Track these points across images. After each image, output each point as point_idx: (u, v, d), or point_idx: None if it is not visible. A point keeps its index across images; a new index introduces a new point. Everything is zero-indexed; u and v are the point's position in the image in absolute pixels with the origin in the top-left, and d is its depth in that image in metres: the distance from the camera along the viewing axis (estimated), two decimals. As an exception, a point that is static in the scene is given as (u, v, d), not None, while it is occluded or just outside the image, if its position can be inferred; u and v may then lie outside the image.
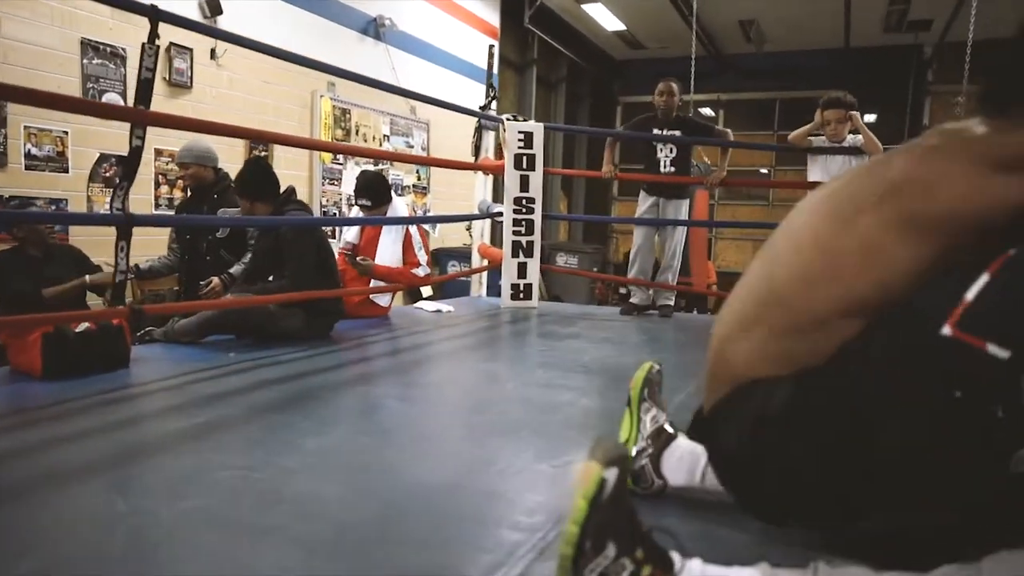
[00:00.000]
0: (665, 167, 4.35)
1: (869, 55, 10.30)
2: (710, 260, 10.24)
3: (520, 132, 4.36)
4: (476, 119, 4.79)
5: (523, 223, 4.41)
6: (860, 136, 3.74)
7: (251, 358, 2.51)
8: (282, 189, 3.05)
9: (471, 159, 4.85)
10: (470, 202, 7.75)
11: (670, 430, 1.42)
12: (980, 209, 0.96)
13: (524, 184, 4.37)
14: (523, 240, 4.43)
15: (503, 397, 2.18)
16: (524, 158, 4.36)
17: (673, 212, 4.38)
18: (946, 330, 0.89)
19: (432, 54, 7.12)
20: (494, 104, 4.93)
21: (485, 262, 5.00)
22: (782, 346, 1.07)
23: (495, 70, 5.27)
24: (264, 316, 2.73)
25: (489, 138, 4.98)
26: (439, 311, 4.06)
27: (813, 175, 3.94)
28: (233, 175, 3.29)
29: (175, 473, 1.45)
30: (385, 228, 3.82)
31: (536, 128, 4.41)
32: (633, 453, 1.41)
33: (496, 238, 5.50)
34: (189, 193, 3.79)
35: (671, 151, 4.32)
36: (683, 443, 1.41)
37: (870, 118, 11.01)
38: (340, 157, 5.95)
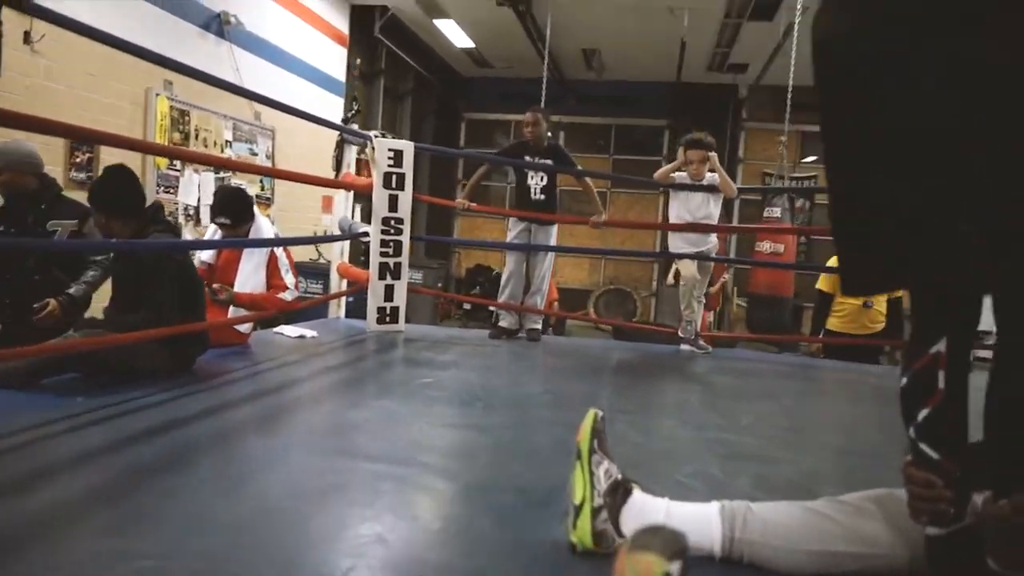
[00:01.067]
0: (536, 194, 4.41)
1: (695, 90, 11.22)
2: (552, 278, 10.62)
3: (390, 150, 4.21)
4: (337, 132, 4.56)
5: (391, 244, 4.25)
6: (717, 175, 4.03)
7: (105, 403, 2.16)
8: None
9: (322, 170, 4.60)
10: (316, 215, 7.40)
11: (627, 487, 1.40)
12: None
13: (393, 204, 4.22)
14: (391, 262, 4.27)
15: (417, 443, 2.05)
16: (394, 177, 4.21)
17: (544, 238, 4.44)
18: None
19: (279, 57, 6.71)
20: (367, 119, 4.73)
21: (345, 283, 4.77)
22: None
23: (344, 78, 5.05)
24: (121, 353, 2.38)
25: (352, 153, 4.77)
26: (303, 336, 3.80)
27: (673, 209, 4.18)
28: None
29: None
30: (247, 251, 3.50)
31: (407, 147, 4.28)
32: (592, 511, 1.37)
33: (355, 258, 5.28)
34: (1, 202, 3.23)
35: (542, 179, 4.39)
36: (638, 497, 1.40)
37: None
38: (177, 163, 5.41)
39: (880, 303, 4.70)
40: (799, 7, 6.43)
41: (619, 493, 1.39)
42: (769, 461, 2.06)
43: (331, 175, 4.89)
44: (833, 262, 5.06)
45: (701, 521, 1.36)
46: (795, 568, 1.30)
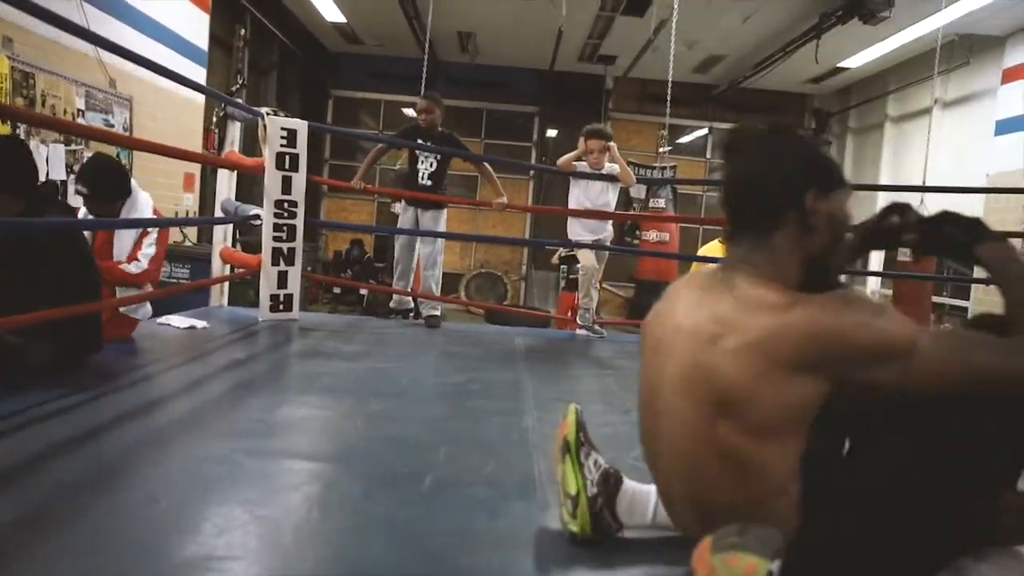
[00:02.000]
0: (423, 179, 4.38)
1: (566, 79, 11.50)
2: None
3: (283, 129, 3.97)
4: (203, 106, 4.23)
5: (285, 228, 4.04)
6: (616, 165, 4.18)
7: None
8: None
9: (186, 145, 4.25)
10: (176, 193, 6.84)
11: (617, 477, 1.44)
12: (795, 406, 1.10)
13: (287, 186, 4.00)
14: (284, 247, 4.06)
15: (366, 441, 1.97)
16: (287, 157, 3.98)
17: (431, 222, 4.41)
18: None
19: (135, 18, 6.08)
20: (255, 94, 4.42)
21: (228, 268, 4.47)
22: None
23: (206, 46, 4.69)
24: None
25: (236, 129, 4.45)
26: (192, 327, 3.52)
27: (574, 197, 4.28)
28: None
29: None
30: (122, 229, 3.17)
31: (300, 126, 4.06)
32: (587, 500, 1.40)
33: (240, 241, 4.95)
34: None
35: (431, 164, 4.37)
36: (630, 485, 1.44)
37: (552, 133, 12.32)
38: (21, 131, 4.77)
39: None
40: (676, 5, 6.76)
41: (611, 482, 1.43)
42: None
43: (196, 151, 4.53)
44: (709, 249, 5.42)
45: (688, 504, 1.43)
46: None
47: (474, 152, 4.59)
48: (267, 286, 4.00)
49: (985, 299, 7.92)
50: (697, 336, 1.18)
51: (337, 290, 10.67)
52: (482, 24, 9.32)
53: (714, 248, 5.31)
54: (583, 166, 4.20)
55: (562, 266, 8.66)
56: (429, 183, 4.40)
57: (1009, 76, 8.37)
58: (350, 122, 12.16)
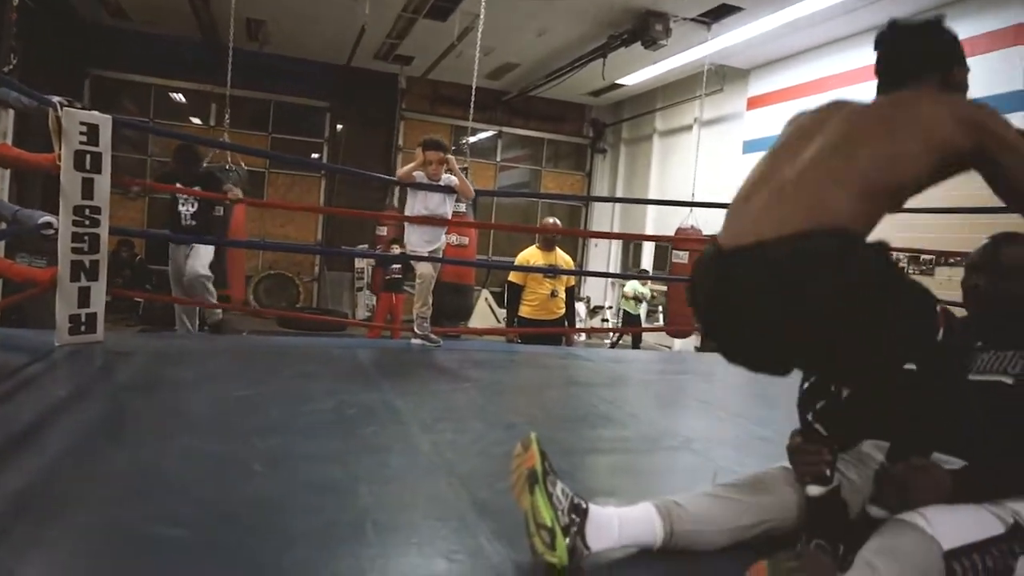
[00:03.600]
0: (186, 220, 4.80)
1: (359, 76, 11.24)
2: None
3: (83, 124, 3.45)
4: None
5: (87, 238, 3.51)
6: (454, 177, 4.22)
7: None
8: None
9: None
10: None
11: (583, 503, 1.50)
12: (950, 145, 1.42)
13: (88, 190, 3.48)
14: (86, 259, 3.53)
15: (314, 498, 1.81)
16: (88, 156, 3.47)
17: (195, 259, 4.84)
18: None
19: None
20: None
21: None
22: (860, 207, 1.38)
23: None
24: None
25: (8, 119, 3.77)
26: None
27: (413, 207, 4.24)
28: None
29: None
30: None
31: (103, 121, 3.55)
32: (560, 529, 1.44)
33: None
34: None
35: (192, 205, 4.68)
36: (596, 511, 1.51)
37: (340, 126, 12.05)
38: None
39: (562, 293, 5.46)
40: (483, 16, 6.94)
41: (580, 509, 1.49)
42: (591, 450, 2.35)
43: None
44: (520, 257, 5.66)
45: (645, 521, 1.55)
46: (717, 544, 1.57)
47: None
48: (65, 305, 3.45)
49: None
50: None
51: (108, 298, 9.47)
52: (276, 13, 8.80)
53: (532, 253, 5.56)
54: (421, 177, 4.19)
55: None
56: (193, 223, 4.77)
57: (753, 104, 9.81)
58: (110, 107, 10.75)
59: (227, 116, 6.76)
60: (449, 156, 4.20)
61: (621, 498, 1.66)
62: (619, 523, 1.52)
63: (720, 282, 1.42)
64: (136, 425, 2.33)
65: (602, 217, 13.76)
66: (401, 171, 4.23)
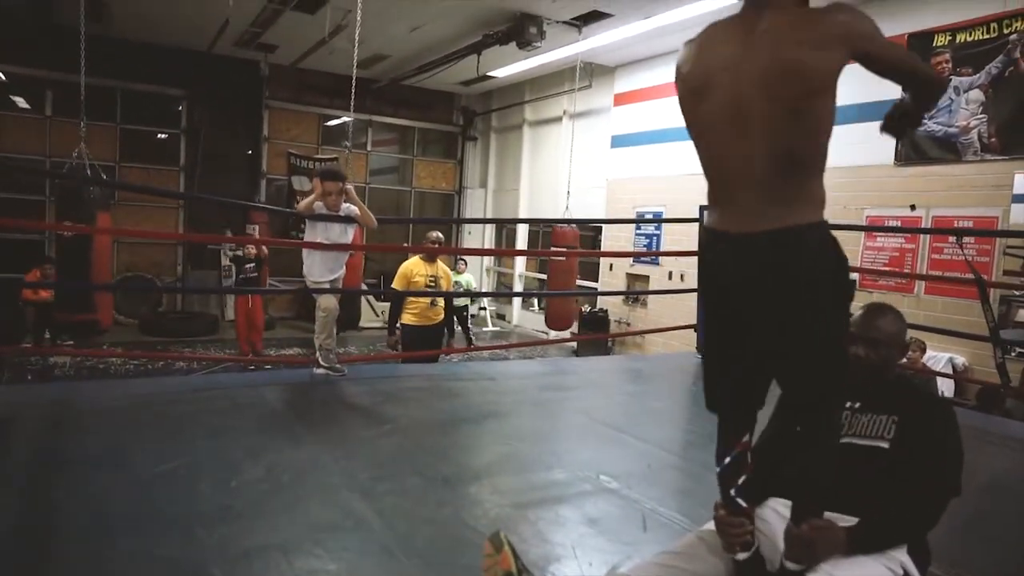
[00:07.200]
0: None
1: (220, 63, 10.57)
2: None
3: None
4: None
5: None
6: (355, 207, 4.18)
7: None
8: None
9: None
10: None
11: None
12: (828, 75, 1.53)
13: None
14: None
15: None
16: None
17: None
18: None
19: None
20: None
21: None
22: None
23: None
24: None
25: None
26: None
27: (315, 238, 4.17)
28: None
29: None
30: None
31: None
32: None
33: None
34: None
35: None
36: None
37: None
38: None
39: (441, 301, 5.55)
40: (360, 13, 6.73)
41: (554, 605, 1.65)
42: (526, 503, 2.51)
43: None
44: (404, 267, 5.65)
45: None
46: None
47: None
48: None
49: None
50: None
51: None
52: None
53: (414, 263, 5.57)
54: (321, 207, 4.12)
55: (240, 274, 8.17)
56: None
57: (619, 100, 10.26)
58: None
59: (83, 108, 6.13)
60: (348, 187, 4.15)
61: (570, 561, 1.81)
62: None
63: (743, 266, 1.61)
64: (62, 525, 2.20)
65: (475, 203, 13.89)
66: (300, 205, 4.14)
